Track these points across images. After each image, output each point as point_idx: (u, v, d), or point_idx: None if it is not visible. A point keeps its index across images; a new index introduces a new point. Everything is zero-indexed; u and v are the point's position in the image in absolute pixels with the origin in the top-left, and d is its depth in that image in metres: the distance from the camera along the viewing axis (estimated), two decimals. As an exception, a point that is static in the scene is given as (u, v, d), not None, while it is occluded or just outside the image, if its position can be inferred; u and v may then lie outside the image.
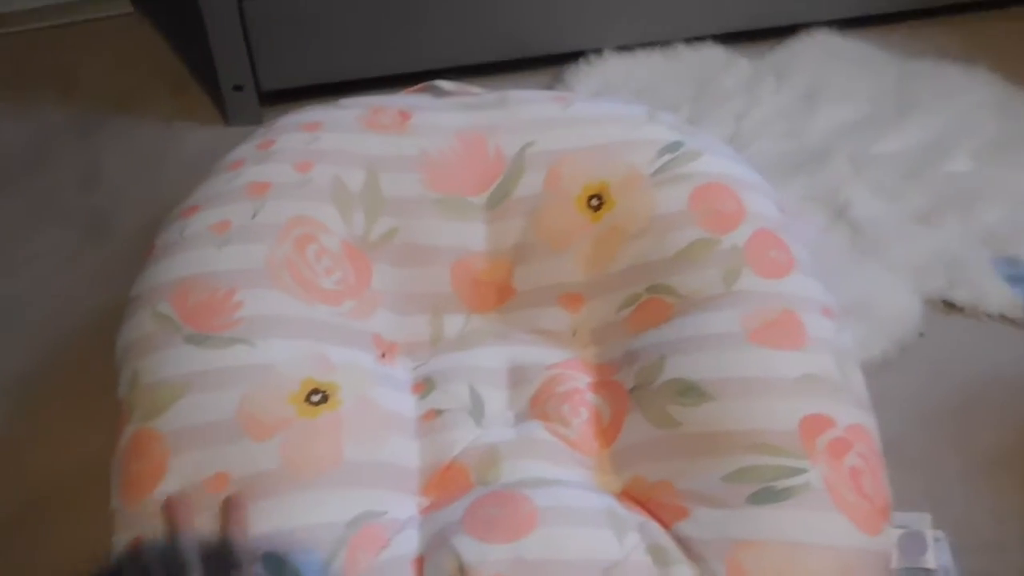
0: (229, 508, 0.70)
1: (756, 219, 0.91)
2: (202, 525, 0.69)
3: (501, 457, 0.80)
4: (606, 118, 0.99)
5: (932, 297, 1.18)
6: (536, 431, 0.83)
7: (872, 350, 1.11)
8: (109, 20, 1.59)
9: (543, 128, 0.96)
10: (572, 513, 0.74)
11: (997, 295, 1.18)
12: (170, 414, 0.75)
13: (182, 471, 0.73)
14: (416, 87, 1.09)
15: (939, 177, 1.31)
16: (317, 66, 1.38)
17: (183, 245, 0.85)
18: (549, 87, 1.44)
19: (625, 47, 1.48)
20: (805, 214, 1.24)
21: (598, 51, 1.47)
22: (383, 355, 0.88)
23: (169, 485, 0.72)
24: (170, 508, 0.70)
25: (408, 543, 0.74)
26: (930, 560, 0.87)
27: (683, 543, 0.74)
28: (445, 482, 0.79)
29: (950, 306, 1.19)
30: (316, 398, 0.78)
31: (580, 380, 0.88)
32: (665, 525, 0.76)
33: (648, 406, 0.82)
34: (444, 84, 1.07)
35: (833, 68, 1.47)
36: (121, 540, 0.72)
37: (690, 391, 0.80)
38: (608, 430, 0.84)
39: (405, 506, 0.77)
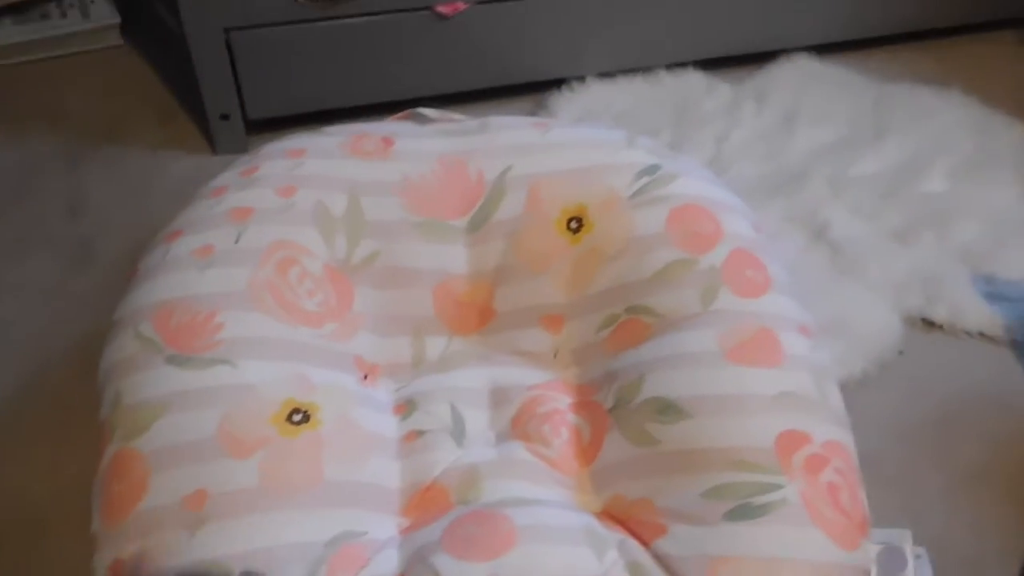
0: None
1: (733, 239, 0.92)
2: (178, 541, 0.70)
3: (481, 477, 0.81)
4: (585, 142, 1.00)
5: (911, 315, 1.20)
6: (517, 451, 0.84)
7: (852, 368, 1.12)
8: (98, 52, 1.61)
9: (523, 152, 0.98)
10: (551, 531, 0.75)
11: (975, 313, 1.20)
12: (151, 434, 0.75)
13: (162, 489, 0.73)
14: (400, 115, 1.11)
15: (916, 197, 1.33)
16: (303, 95, 1.40)
17: (166, 268, 0.86)
18: (532, 113, 1.46)
19: (607, 73, 1.51)
20: (784, 235, 1.26)
21: (580, 78, 1.50)
22: (365, 377, 0.88)
23: (149, 503, 0.72)
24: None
25: (388, 563, 0.74)
26: (910, 576, 0.88)
27: (662, 560, 0.74)
28: (425, 502, 0.80)
29: (929, 324, 1.20)
30: (297, 418, 0.79)
31: (561, 400, 0.89)
32: (644, 543, 0.76)
33: (627, 425, 0.82)
34: (427, 112, 1.09)
35: (812, 92, 1.50)
36: (102, 561, 0.72)
37: (668, 409, 0.81)
38: (588, 449, 0.85)
39: (385, 526, 0.77)
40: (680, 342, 0.85)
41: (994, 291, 1.22)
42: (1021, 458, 1.06)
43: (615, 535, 0.77)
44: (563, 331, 0.93)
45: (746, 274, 0.89)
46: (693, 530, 0.75)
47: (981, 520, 1.00)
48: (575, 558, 0.73)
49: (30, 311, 1.21)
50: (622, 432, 0.82)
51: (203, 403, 0.77)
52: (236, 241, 0.88)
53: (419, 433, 0.84)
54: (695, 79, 1.52)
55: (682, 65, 1.53)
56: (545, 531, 0.75)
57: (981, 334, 1.19)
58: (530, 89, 1.49)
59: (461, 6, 1.37)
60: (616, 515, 0.80)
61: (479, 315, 0.95)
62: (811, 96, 1.49)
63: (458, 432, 0.85)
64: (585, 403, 0.88)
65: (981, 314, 1.19)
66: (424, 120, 1.07)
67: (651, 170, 0.96)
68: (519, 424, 0.86)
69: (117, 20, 1.61)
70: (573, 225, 0.95)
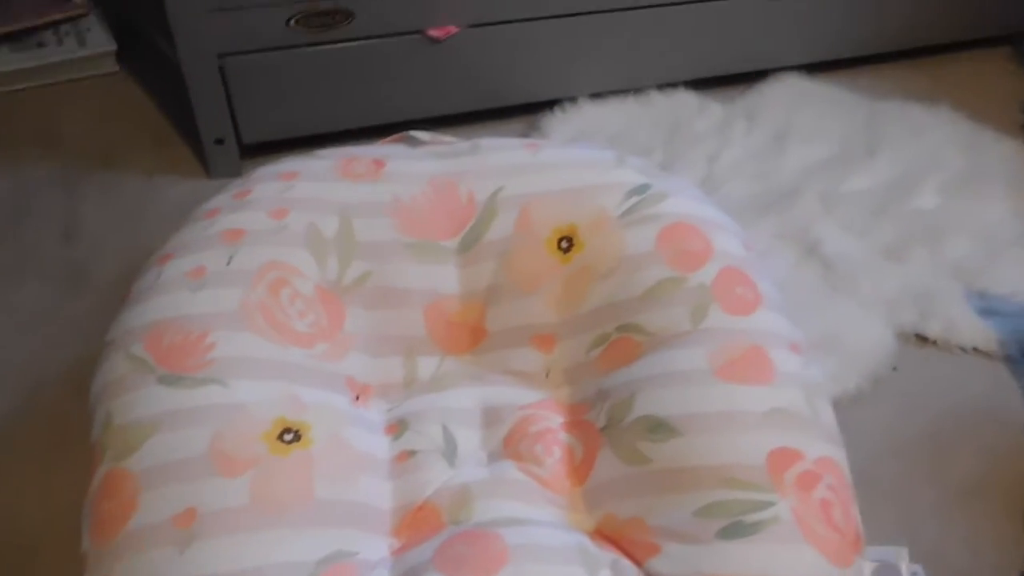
0: None
1: (723, 257, 0.92)
2: (167, 559, 0.70)
3: (473, 497, 0.80)
4: (575, 163, 1.01)
5: (904, 331, 1.20)
6: (509, 471, 0.84)
7: (846, 384, 1.12)
8: (95, 79, 1.62)
9: (514, 173, 0.98)
10: (543, 551, 0.74)
11: (969, 328, 1.20)
12: (141, 453, 0.75)
13: (151, 508, 0.73)
14: (392, 137, 1.12)
15: (908, 213, 1.33)
16: (296, 119, 1.41)
17: (158, 290, 0.86)
18: (525, 135, 1.47)
19: (599, 94, 1.52)
20: (776, 252, 1.27)
21: (572, 99, 1.51)
22: (357, 397, 0.89)
23: (138, 522, 0.72)
24: None
25: (380, 583, 0.74)
26: (906, 593, 0.88)
27: (655, 579, 0.74)
28: (417, 523, 0.80)
29: (922, 340, 1.20)
30: (288, 436, 0.79)
31: (553, 420, 0.89)
32: (637, 562, 0.76)
33: (619, 443, 0.82)
34: (419, 134, 1.09)
35: (802, 110, 1.51)
36: (92, 582, 0.72)
37: (659, 427, 0.81)
38: (580, 469, 0.84)
39: (377, 546, 0.77)
40: (671, 360, 0.85)
41: (987, 306, 1.22)
42: (1016, 473, 1.06)
43: (608, 555, 0.77)
44: (555, 350, 0.93)
45: (736, 292, 0.90)
46: (686, 549, 0.74)
47: (977, 535, 1.00)
48: (567, 577, 0.73)
49: (24, 335, 1.21)
50: (614, 451, 0.82)
51: (194, 422, 0.77)
52: (228, 263, 0.88)
53: (411, 453, 0.84)
54: (686, 99, 1.53)
55: (673, 85, 1.54)
56: (538, 550, 0.74)
57: (975, 349, 1.19)
58: (523, 111, 1.50)
59: (453, 29, 1.38)
60: (609, 534, 0.80)
61: (471, 335, 0.95)
62: (802, 114, 1.50)
63: (450, 452, 0.85)
64: (577, 422, 0.88)
65: (975, 329, 1.20)
66: (416, 143, 1.08)
67: (641, 189, 0.97)
68: (511, 443, 0.86)
69: (113, 47, 1.62)
70: (564, 245, 0.95)
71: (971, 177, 1.38)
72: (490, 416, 0.89)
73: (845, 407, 1.07)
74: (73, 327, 1.22)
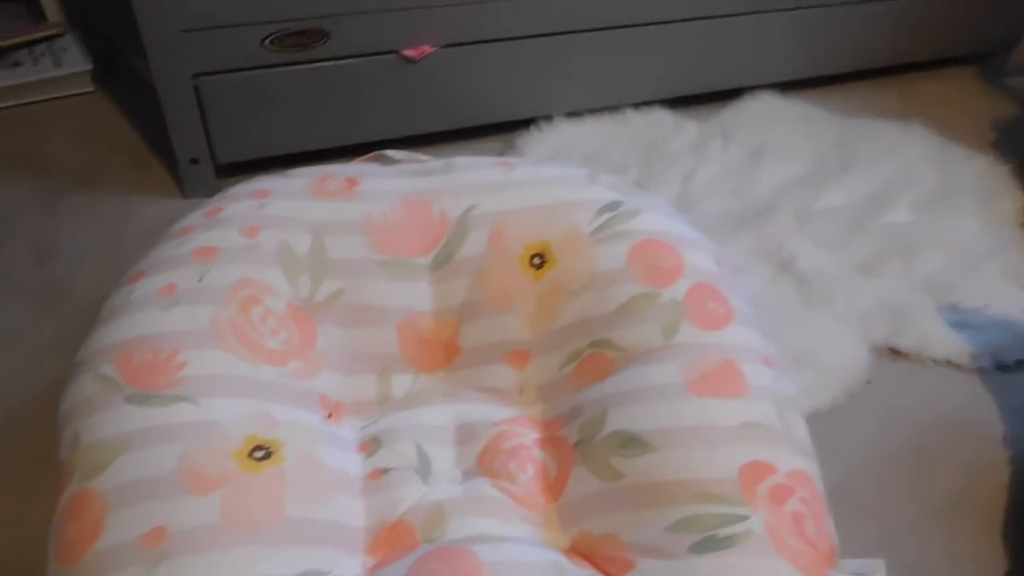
0: None
1: (694, 273, 0.92)
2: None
3: (447, 514, 0.80)
4: (547, 180, 1.01)
5: (879, 345, 1.21)
6: (483, 488, 0.84)
7: (821, 398, 1.12)
8: (71, 99, 1.62)
9: (486, 191, 0.99)
10: (518, 567, 0.74)
11: (942, 341, 1.21)
12: (110, 472, 0.74)
13: (119, 528, 0.72)
14: (366, 156, 1.12)
15: (881, 229, 1.35)
16: (272, 139, 1.41)
17: (129, 309, 0.86)
18: (501, 154, 1.47)
19: (575, 113, 1.53)
20: (751, 268, 1.27)
21: (548, 118, 1.52)
22: (330, 415, 0.88)
23: (106, 542, 0.71)
24: None
25: (352, 601, 0.73)
26: (882, 606, 0.87)
27: (630, 596, 0.74)
28: (391, 541, 0.79)
29: (896, 353, 1.21)
30: (259, 454, 0.78)
31: (527, 436, 0.89)
32: (612, 578, 0.76)
33: (592, 459, 0.82)
34: (393, 153, 1.10)
35: (777, 128, 1.52)
36: (59, 605, 0.71)
37: (632, 443, 0.81)
38: (555, 485, 0.84)
39: (350, 565, 0.76)
40: (643, 376, 0.85)
41: (959, 319, 1.23)
42: (994, 486, 1.06)
43: (583, 571, 0.76)
44: (528, 367, 0.93)
45: (708, 307, 0.90)
46: (660, 564, 0.74)
47: (955, 549, 1.00)
48: (541, 594, 0.73)
49: (0, 355, 1.20)
50: (588, 467, 0.82)
51: (163, 440, 0.76)
52: (200, 280, 0.88)
53: (384, 471, 0.84)
54: (662, 117, 1.54)
55: (649, 104, 1.56)
56: (512, 567, 0.74)
57: (948, 362, 1.20)
58: (499, 129, 1.51)
59: (427, 49, 1.39)
60: (583, 551, 0.79)
61: (444, 352, 0.95)
62: (776, 132, 1.51)
63: (424, 469, 0.85)
64: (551, 438, 0.88)
65: (948, 342, 1.21)
66: (390, 161, 1.08)
67: (613, 206, 0.97)
68: (485, 460, 0.86)
69: (89, 67, 1.62)
70: (536, 261, 0.95)
71: (943, 193, 1.40)
72: (464, 433, 0.89)
73: (821, 421, 1.08)
74: (50, 347, 1.21)
